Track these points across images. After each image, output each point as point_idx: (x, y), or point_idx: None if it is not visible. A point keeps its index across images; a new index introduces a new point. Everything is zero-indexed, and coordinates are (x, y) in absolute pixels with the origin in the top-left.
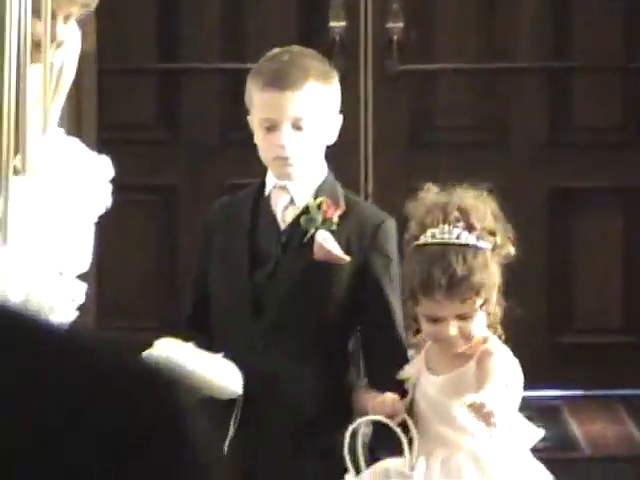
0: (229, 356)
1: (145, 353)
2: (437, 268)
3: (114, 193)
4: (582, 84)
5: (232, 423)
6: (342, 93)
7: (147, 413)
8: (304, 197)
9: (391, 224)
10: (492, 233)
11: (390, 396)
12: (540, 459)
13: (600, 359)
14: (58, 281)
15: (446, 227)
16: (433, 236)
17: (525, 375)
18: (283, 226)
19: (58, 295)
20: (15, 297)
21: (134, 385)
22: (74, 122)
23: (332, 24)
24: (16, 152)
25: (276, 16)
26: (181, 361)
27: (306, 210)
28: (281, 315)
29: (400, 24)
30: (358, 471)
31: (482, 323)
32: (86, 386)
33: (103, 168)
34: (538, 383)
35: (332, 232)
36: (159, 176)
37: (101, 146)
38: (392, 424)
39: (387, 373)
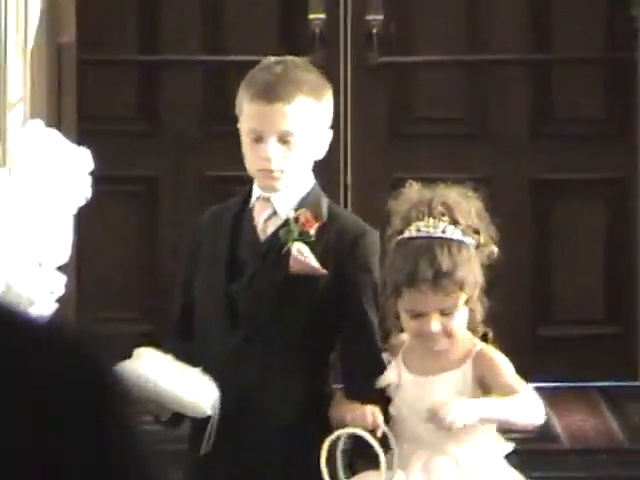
0: (208, 367)
1: (120, 364)
2: (423, 261)
3: (94, 185)
4: (563, 76)
5: (205, 441)
6: None
7: (71, 386)
8: (286, 209)
9: (373, 236)
10: (476, 231)
11: (370, 408)
12: (520, 451)
13: (579, 351)
14: (37, 273)
15: (431, 221)
16: (418, 230)
17: None
18: (263, 237)
19: (37, 287)
20: None
21: (61, 358)
22: (54, 114)
23: (312, 16)
24: None
25: (256, 8)
26: (153, 377)
27: (286, 222)
28: (256, 326)
29: (380, 16)
30: None
31: (463, 321)
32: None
33: (83, 160)
34: (519, 374)
35: (310, 244)
36: (140, 168)
37: (81, 138)
38: (371, 439)
39: (366, 382)
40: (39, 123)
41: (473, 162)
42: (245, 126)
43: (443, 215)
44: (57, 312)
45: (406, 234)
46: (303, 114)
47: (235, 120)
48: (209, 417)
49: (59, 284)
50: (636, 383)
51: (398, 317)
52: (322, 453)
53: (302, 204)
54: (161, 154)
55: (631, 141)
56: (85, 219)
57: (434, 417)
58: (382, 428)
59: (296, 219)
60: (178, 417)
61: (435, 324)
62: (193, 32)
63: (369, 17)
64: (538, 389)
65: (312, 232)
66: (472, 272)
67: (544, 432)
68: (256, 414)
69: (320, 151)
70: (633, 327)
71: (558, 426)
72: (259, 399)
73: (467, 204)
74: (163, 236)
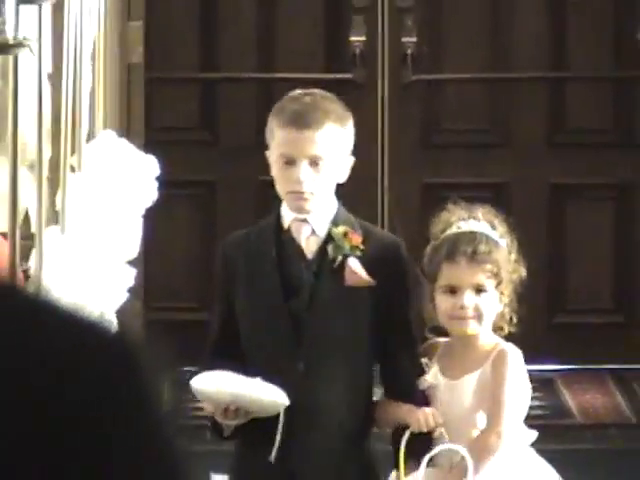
0: (267, 380)
1: (194, 388)
2: (464, 241)
3: (161, 188)
4: (576, 92)
5: (279, 433)
6: (362, 101)
7: (111, 377)
8: (324, 227)
9: (404, 247)
10: (509, 251)
11: (430, 410)
12: (537, 426)
13: (590, 338)
14: (110, 267)
15: (472, 221)
16: (459, 227)
17: (526, 351)
18: (310, 256)
19: (111, 280)
20: (72, 283)
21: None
22: (124, 125)
23: (353, 38)
24: (72, 152)
25: (304, 31)
26: (232, 389)
27: (330, 239)
28: (320, 340)
29: (413, 39)
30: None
31: (493, 309)
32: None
33: (150, 166)
34: (537, 358)
35: (358, 258)
36: (200, 173)
37: (148, 147)
38: (458, 448)
39: (413, 385)
40: (111, 133)
41: (496, 168)
42: (276, 152)
43: (483, 221)
44: (127, 301)
45: (447, 232)
46: (331, 140)
47: None
48: (274, 426)
49: (130, 276)
50: (638, 366)
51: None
52: (401, 449)
53: (336, 221)
54: (219, 161)
55: (635, 149)
56: (152, 219)
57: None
58: (440, 428)
59: (344, 234)
60: (236, 432)
61: (468, 298)
62: (248, 52)
63: (404, 39)
64: (556, 371)
65: (360, 245)
66: (506, 265)
67: (560, 409)
68: (316, 423)
69: (343, 174)
70: (637, 316)
71: (572, 404)
72: (321, 410)
73: (496, 219)
74: (220, 233)
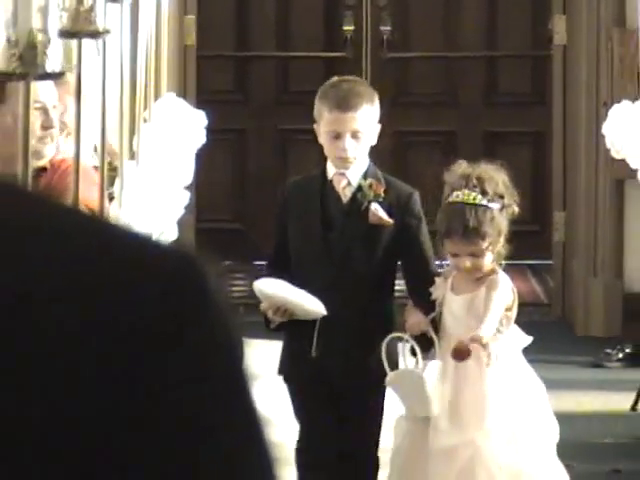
0: (308, 291)
1: (257, 288)
2: (456, 220)
3: (207, 134)
4: (505, 66)
5: (315, 344)
6: (351, 73)
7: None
8: (356, 179)
9: (417, 195)
10: (501, 196)
11: (420, 321)
12: None
13: (517, 241)
14: (171, 191)
15: (466, 191)
16: (457, 197)
17: None
18: (345, 200)
19: (172, 200)
20: (144, 203)
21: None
22: (181, 89)
23: (345, 28)
24: (145, 108)
25: (310, 22)
26: (285, 294)
27: (359, 188)
28: (345, 261)
29: (388, 28)
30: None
31: (489, 259)
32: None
33: (199, 119)
34: None
35: (380, 203)
36: (235, 124)
37: (199, 105)
38: (412, 341)
39: (424, 295)
40: (172, 95)
41: (446, 121)
42: (325, 128)
43: (475, 187)
44: (183, 215)
45: (450, 199)
46: (365, 117)
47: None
48: (313, 326)
49: (185, 197)
50: (550, 262)
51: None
52: (382, 348)
53: (366, 175)
54: (249, 115)
55: (548, 108)
56: (201, 156)
57: (476, 341)
58: (428, 334)
59: (370, 185)
60: (280, 326)
61: (467, 263)
62: (269, 37)
63: (382, 28)
64: None
65: (382, 194)
66: (494, 228)
67: None
68: (347, 327)
69: (374, 138)
70: (548, 226)
71: None
72: (350, 317)
73: (496, 177)
74: (249, 167)
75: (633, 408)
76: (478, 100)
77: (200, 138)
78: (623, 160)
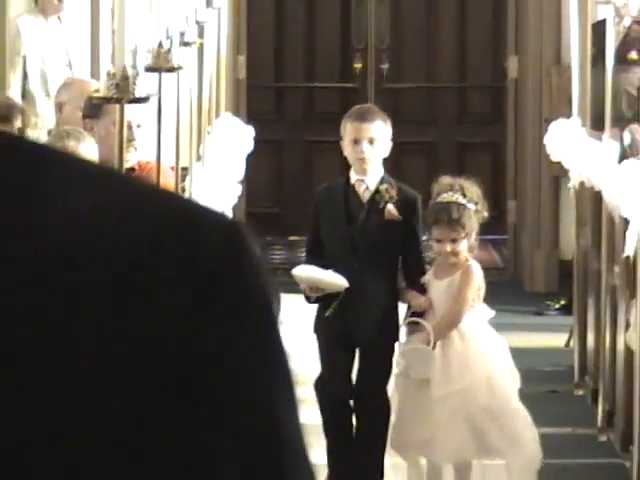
0: (338, 272)
1: (295, 274)
2: (443, 213)
3: (254, 143)
4: (472, 94)
5: (332, 309)
6: (359, 98)
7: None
8: (374, 185)
9: (420, 199)
10: (476, 203)
11: (423, 299)
12: None
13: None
14: (229, 184)
15: (450, 193)
16: (443, 198)
17: None
18: (365, 201)
19: (229, 191)
20: (208, 194)
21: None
22: (235, 111)
23: (355, 65)
24: (209, 123)
25: (329, 61)
26: (317, 275)
27: (377, 192)
28: (367, 251)
29: (387, 66)
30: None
31: (464, 246)
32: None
33: (249, 132)
34: None
35: (393, 204)
36: (273, 135)
37: (248, 122)
38: (422, 321)
39: (417, 279)
40: (229, 115)
41: (428, 134)
42: (347, 138)
43: (457, 191)
44: (237, 202)
45: (437, 199)
46: (379, 129)
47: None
48: (338, 296)
49: (238, 189)
50: (505, 237)
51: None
52: (405, 323)
53: (382, 181)
54: (284, 130)
55: (503, 124)
56: (249, 159)
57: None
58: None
59: (385, 190)
60: (317, 300)
61: (448, 246)
62: (298, 72)
63: (381, 66)
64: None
65: (395, 197)
66: (470, 222)
67: None
68: (364, 297)
69: (386, 152)
70: (504, 211)
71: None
72: (367, 290)
73: (472, 188)
74: (284, 167)
75: (566, 344)
76: (452, 119)
77: (249, 146)
78: (559, 162)
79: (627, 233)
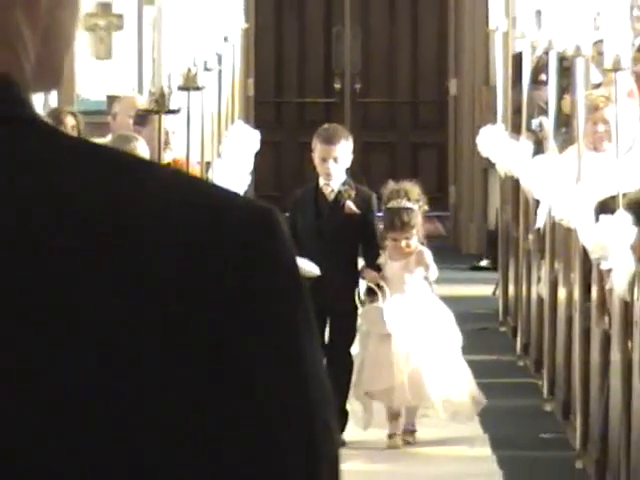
0: (307, 259)
1: None
2: (395, 219)
3: (260, 144)
4: (423, 108)
5: (308, 286)
6: (339, 111)
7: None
8: (337, 187)
9: (374, 196)
10: (417, 200)
11: (377, 275)
12: None
13: (430, 203)
14: (241, 174)
15: (399, 200)
16: (392, 204)
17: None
18: (330, 199)
19: (242, 180)
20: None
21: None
22: (246, 119)
23: (335, 85)
24: (226, 128)
25: (316, 82)
26: None
27: (339, 192)
28: (332, 239)
29: (359, 85)
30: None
31: (415, 241)
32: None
33: (256, 135)
34: None
35: (352, 201)
36: (273, 137)
37: (255, 127)
38: (376, 288)
39: (374, 262)
40: (240, 122)
41: (391, 136)
42: (317, 155)
43: (403, 197)
44: (247, 189)
45: (388, 205)
46: (343, 148)
47: None
48: (309, 281)
49: (248, 179)
50: (448, 213)
51: (386, 240)
52: (362, 293)
53: (344, 184)
54: (282, 134)
55: (446, 129)
56: (256, 156)
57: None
58: (381, 283)
59: (345, 190)
60: None
61: (403, 243)
62: (291, 90)
63: (355, 85)
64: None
65: (353, 196)
66: (417, 219)
67: None
68: (330, 278)
69: (348, 163)
70: (446, 194)
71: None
72: (332, 272)
73: (413, 189)
74: (282, 162)
75: (493, 293)
76: (407, 125)
77: (256, 146)
78: (487, 158)
79: (538, 211)
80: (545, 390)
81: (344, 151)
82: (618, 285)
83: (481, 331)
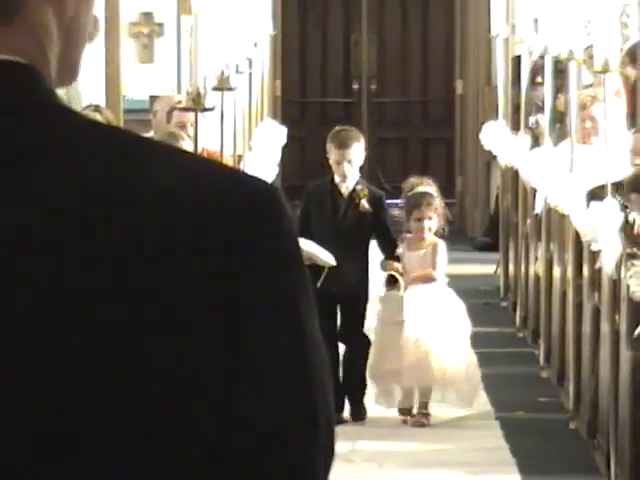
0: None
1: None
2: (421, 197)
3: (287, 138)
4: (431, 106)
5: (324, 274)
6: (356, 110)
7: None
8: (352, 185)
9: (384, 196)
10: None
11: (397, 265)
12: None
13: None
14: (269, 164)
15: (422, 186)
16: (417, 190)
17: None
18: (345, 196)
19: (270, 170)
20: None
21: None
22: (274, 116)
23: (354, 86)
24: (256, 125)
25: (336, 83)
26: (313, 248)
27: (354, 191)
28: (347, 234)
29: (375, 86)
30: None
31: (435, 224)
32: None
33: (283, 130)
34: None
35: (366, 199)
36: (298, 133)
37: (283, 123)
38: (398, 276)
39: (391, 252)
40: (269, 119)
41: (404, 132)
42: (333, 157)
43: (429, 186)
44: (275, 179)
45: (413, 191)
46: (356, 151)
47: None
48: (323, 269)
49: (276, 169)
50: (454, 200)
51: (407, 229)
52: (384, 281)
53: (357, 183)
54: (305, 130)
55: (453, 125)
56: (283, 149)
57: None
58: (399, 272)
59: (360, 189)
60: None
61: (427, 223)
62: (315, 91)
63: (371, 86)
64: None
65: (367, 194)
66: (440, 207)
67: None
68: (343, 267)
69: (361, 162)
70: (453, 184)
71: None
72: (348, 263)
73: (433, 185)
74: (306, 155)
75: (495, 272)
76: (418, 122)
77: (283, 141)
78: (490, 151)
79: (536, 198)
80: (542, 359)
81: (357, 153)
82: (607, 265)
83: (484, 306)
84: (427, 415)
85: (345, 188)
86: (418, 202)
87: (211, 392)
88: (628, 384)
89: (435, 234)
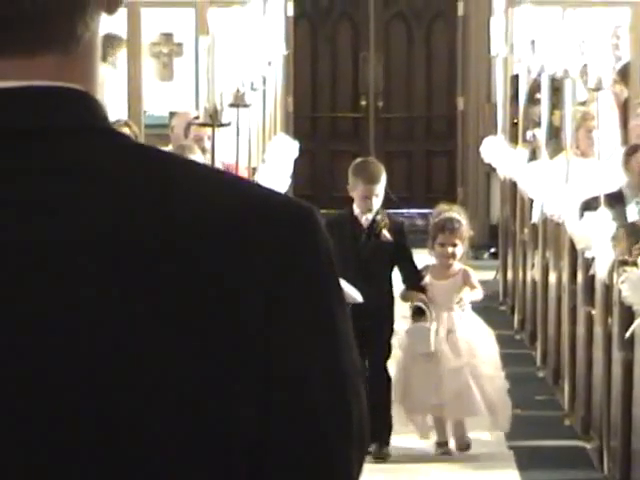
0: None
1: None
2: (447, 222)
3: (300, 150)
4: (437, 121)
5: (349, 308)
6: (364, 125)
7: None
8: (371, 215)
9: (404, 224)
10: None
11: (422, 296)
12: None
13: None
14: (283, 175)
15: (450, 212)
16: (445, 215)
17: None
18: (365, 227)
19: (284, 179)
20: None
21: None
22: (286, 131)
23: (362, 102)
24: (263, 152)
25: (345, 99)
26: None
27: (374, 221)
28: (369, 263)
29: (382, 102)
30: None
31: (460, 250)
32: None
33: (295, 144)
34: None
35: (387, 229)
36: (309, 147)
37: (294, 138)
38: (424, 306)
39: (416, 283)
40: (282, 134)
41: (410, 145)
42: (358, 192)
43: (456, 212)
44: (287, 190)
45: (440, 217)
46: (381, 185)
47: None
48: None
49: (288, 181)
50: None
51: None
52: (411, 311)
53: (377, 213)
54: (316, 145)
55: (456, 139)
56: (296, 161)
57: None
58: (426, 302)
59: (381, 219)
60: None
61: (450, 249)
62: (325, 106)
63: (378, 103)
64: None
65: (388, 224)
66: (465, 233)
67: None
68: (366, 299)
69: (382, 196)
70: (455, 193)
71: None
72: (369, 294)
73: (461, 212)
74: (316, 166)
75: (494, 278)
76: (422, 136)
77: (295, 154)
78: (489, 164)
79: (533, 208)
80: (538, 359)
81: (382, 186)
82: (600, 271)
83: (484, 309)
84: (469, 445)
85: (365, 219)
86: (443, 227)
87: (249, 392)
88: (620, 383)
89: (460, 260)
